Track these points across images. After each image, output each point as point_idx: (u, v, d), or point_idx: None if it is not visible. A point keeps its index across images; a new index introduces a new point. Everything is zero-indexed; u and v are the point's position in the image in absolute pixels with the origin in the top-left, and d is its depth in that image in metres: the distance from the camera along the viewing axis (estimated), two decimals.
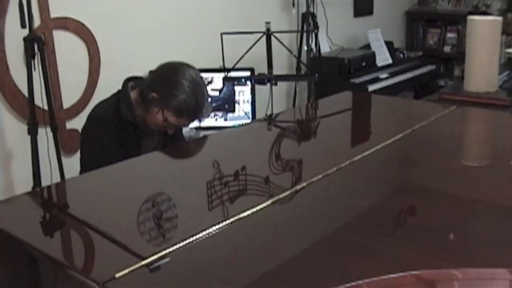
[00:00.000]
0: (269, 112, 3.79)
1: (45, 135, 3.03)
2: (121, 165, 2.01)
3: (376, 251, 1.37)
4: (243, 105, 3.65)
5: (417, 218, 1.57)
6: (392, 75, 5.10)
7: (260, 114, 3.70)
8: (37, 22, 3.01)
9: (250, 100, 3.64)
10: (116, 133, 2.41)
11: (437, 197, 1.73)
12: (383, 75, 5.02)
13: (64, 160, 3.12)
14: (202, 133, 3.55)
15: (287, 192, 1.66)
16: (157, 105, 2.38)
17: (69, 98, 3.28)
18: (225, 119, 3.66)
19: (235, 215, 1.51)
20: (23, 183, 3.04)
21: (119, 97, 2.47)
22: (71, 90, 3.28)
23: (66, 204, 1.77)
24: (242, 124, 3.30)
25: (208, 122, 3.63)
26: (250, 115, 3.64)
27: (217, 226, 1.45)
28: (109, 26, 3.41)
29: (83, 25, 3.26)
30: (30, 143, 2.88)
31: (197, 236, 1.40)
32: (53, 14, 3.14)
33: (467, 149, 2.30)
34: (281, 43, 3.34)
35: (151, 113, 2.41)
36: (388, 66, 5.20)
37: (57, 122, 3.02)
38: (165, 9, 3.76)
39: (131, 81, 2.51)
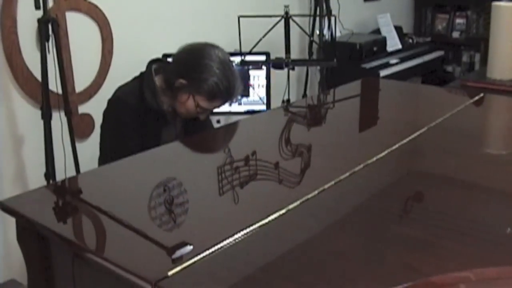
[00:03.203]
0: (285, 98, 3.73)
1: (57, 119, 2.93)
2: (149, 154, 1.93)
3: (435, 246, 1.31)
4: (257, 90, 3.57)
5: (471, 212, 1.51)
6: (402, 60, 5.02)
7: (274, 99, 3.62)
8: (49, 3, 2.91)
9: (265, 85, 3.56)
10: (138, 118, 2.32)
11: (488, 190, 1.67)
12: (393, 61, 4.94)
13: (76, 145, 3.03)
14: (215, 118, 3.48)
15: (332, 183, 1.60)
16: (187, 91, 2.28)
17: (81, 81, 3.19)
18: (239, 104, 3.58)
19: (281, 208, 1.44)
20: (35, 169, 2.96)
21: (142, 81, 2.37)
22: (83, 73, 3.18)
23: (100, 199, 1.64)
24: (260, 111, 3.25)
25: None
26: (264, 100, 3.56)
27: (265, 220, 1.38)
28: (122, 8, 3.31)
29: (96, 6, 3.16)
30: (43, 128, 2.80)
31: (246, 230, 1.34)
32: None
33: (504, 139, 2.24)
34: (300, 27, 3.27)
35: (180, 101, 2.31)
36: (398, 51, 5.12)
37: (71, 106, 2.94)
38: None
39: (155, 64, 2.41)
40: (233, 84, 2.31)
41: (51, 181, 2.84)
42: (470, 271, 1.17)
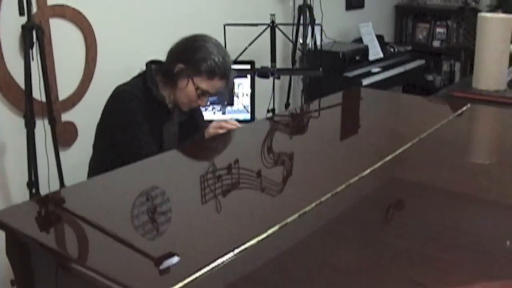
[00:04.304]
0: (270, 107, 3.72)
1: (41, 128, 2.88)
2: (138, 165, 1.90)
3: (436, 260, 1.30)
4: (242, 99, 3.55)
5: (469, 225, 1.50)
6: (384, 69, 5.06)
7: (258, 108, 3.61)
8: (33, 9, 2.86)
9: (249, 94, 3.54)
10: (144, 109, 2.35)
11: (483, 203, 1.67)
12: (375, 69, 4.97)
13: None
14: None
15: (328, 195, 1.58)
16: (186, 75, 2.35)
17: (64, 89, 3.14)
18: (223, 113, 3.56)
19: (279, 222, 1.42)
20: (18, 178, 2.91)
21: (144, 78, 2.43)
22: (67, 81, 3.14)
23: (92, 212, 1.59)
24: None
25: (205, 115, 3.53)
26: (249, 109, 3.54)
27: (264, 235, 1.36)
28: (107, 15, 3.27)
29: (80, 13, 3.12)
30: (25, 136, 2.74)
31: (245, 245, 1.31)
32: (50, 2, 2.99)
33: (497, 150, 2.24)
34: (286, 36, 3.26)
35: (180, 87, 2.38)
36: (379, 60, 5.14)
37: (55, 114, 2.89)
38: None
39: (153, 65, 2.47)
40: (228, 61, 2.41)
41: (33, 190, 2.79)
42: (478, 284, 1.15)
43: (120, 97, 2.38)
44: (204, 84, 2.36)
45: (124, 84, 2.44)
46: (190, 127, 2.56)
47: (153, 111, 2.37)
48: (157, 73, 2.43)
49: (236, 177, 1.78)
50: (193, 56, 2.34)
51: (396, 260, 1.30)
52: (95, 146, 2.52)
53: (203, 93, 2.39)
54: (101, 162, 2.39)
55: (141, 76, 2.46)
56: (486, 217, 1.57)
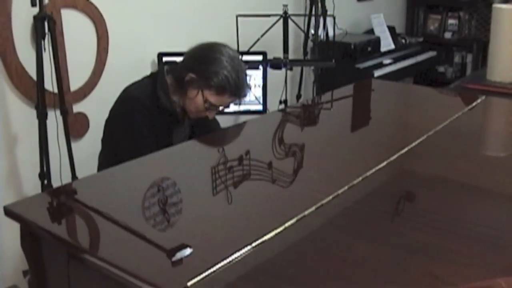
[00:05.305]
0: (282, 98, 3.70)
1: (52, 119, 2.87)
2: (155, 156, 1.89)
3: (455, 253, 1.28)
4: (254, 90, 3.53)
5: (487, 218, 1.48)
6: (395, 60, 5.02)
7: (270, 99, 3.59)
8: (45, 0, 2.85)
9: (261, 85, 3.52)
10: (152, 118, 2.31)
11: (501, 196, 1.65)
12: (387, 61, 4.93)
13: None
14: None
15: (345, 188, 1.56)
16: (196, 87, 2.28)
17: (76, 80, 3.13)
18: (235, 104, 3.54)
19: (297, 215, 1.40)
20: (29, 169, 2.91)
21: (154, 81, 2.37)
22: (78, 72, 3.13)
23: (109, 204, 1.58)
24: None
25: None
26: (261, 100, 3.52)
27: (280, 229, 1.35)
28: (119, 6, 3.26)
29: (92, 4, 3.11)
30: (37, 127, 2.74)
31: (263, 238, 1.30)
32: None
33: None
34: (298, 26, 3.24)
35: (189, 97, 2.31)
36: (391, 51, 5.11)
37: (66, 105, 2.88)
38: None
39: (166, 66, 2.41)
40: (242, 79, 2.32)
41: (45, 181, 2.79)
42: (501, 279, 1.13)
43: (128, 106, 2.33)
44: (213, 99, 2.30)
45: (134, 87, 2.39)
46: (202, 128, 2.52)
47: (161, 119, 2.33)
48: (168, 73, 2.37)
49: (248, 168, 1.76)
50: (206, 68, 2.26)
51: (414, 254, 1.28)
52: (103, 142, 2.51)
53: (211, 107, 2.33)
54: (108, 159, 2.37)
55: (152, 78, 2.41)
56: (503, 210, 1.55)
